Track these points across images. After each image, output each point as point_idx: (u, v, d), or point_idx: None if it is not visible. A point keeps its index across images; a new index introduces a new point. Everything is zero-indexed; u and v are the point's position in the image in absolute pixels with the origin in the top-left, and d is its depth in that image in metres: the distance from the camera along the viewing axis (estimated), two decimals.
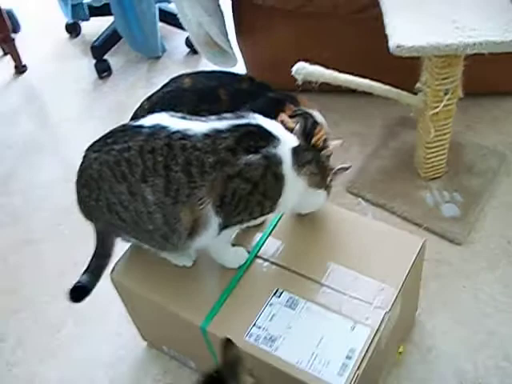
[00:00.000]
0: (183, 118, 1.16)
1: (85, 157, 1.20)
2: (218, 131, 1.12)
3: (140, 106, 1.67)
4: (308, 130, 1.27)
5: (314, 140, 1.48)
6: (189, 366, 1.50)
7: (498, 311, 1.52)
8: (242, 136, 1.12)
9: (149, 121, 1.15)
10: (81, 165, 1.21)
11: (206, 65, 2.48)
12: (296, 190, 1.21)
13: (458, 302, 1.55)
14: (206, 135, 1.11)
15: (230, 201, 1.12)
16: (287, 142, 1.18)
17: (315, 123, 1.55)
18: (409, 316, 1.48)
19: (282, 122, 1.39)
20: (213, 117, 1.17)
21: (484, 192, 1.78)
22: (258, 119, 1.17)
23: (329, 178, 1.29)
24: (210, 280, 1.32)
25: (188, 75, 1.65)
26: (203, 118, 1.16)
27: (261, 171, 1.12)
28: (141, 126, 1.14)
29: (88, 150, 1.20)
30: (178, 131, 1.11)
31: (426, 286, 1.54)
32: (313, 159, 1.23)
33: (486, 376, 1.40)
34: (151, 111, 1.48)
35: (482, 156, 1.89)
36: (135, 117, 1.61)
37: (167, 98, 1.62)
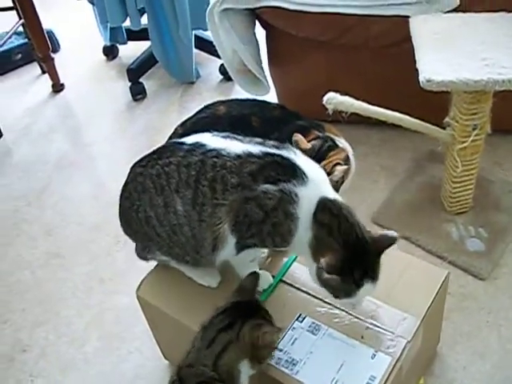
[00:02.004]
0: (225, 137, 1.21)
1: (131, 171, 1.28)
2: (250, 155, 1.15)
3: (174, 132, 1.73)
4: (321, 153, 1.28)
5: (324, 162, 1.51)
6: None
7: None
8: (266, 164, 1.13)
9: (191, 139, 1.22)
10: (126, 178, 1.28)
11: (239, 92, 2.54)
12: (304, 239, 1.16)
13: (481, 336, 1.54)
14: (238, 156, 1.14)
15: (242, 221, 1.14)
16: (318, 187, 1.15)
17: (332, 147, 1.59)
18: (430, 348, 1.48)
19: (296, 142, 1.43)
20: (256, 139, 1.19)
21: (510, 228, 1.78)
22: (294, 154, 1.17)
23: None
24: None
25: (222, 102, 1.72)
26: (246, 139, 1.20)
27: (274, 203, 1.11)
28: (183, 143, 1.21)
29: (134, 165, 1.27)
30: (213, 149, 1.16)
31: (448, 319, 1.54)
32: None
33: None
34: (184, 136, 1.54)
35: (509, 192, 1.89)
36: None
37: (201, 124, 1.67)
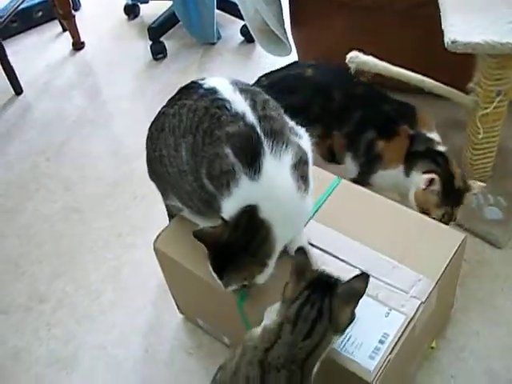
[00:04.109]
0: (241, 90, 1.18)
1: (158, 112, 1.29)
2: (242, 118, 1.13)
3: (257, 81, 1.73)
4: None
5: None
6: (222, 342, 1.54)
7: None
8: (243, 134, 1.11)
9: (211, 82, 1.20)
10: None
11: (260, 54, 2.53)
12: None
13: (495, 303, 1.55)
14: (236, 114, 1.13)
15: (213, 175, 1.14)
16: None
17: (448, 163, 1.57)
18: (444, 312, 1.48)
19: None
20: (258, 106, 1.16)
21: None
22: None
23: None
24: None
25: (311, 65, 1.71)
26: (249, 98, 1.17)
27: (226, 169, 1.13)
28: (201, 86, 1.20)
29: (163, 107, 1.29)
30: (221, 99, 1.15)
31: (463, 285, 1.55)
32: None
33: None
34: (269, 88, 1.58)
35: None
36: None
37: (286, 80, 1.69)
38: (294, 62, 1.75)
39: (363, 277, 1.05)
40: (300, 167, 1.14)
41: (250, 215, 1.11)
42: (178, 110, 1.20)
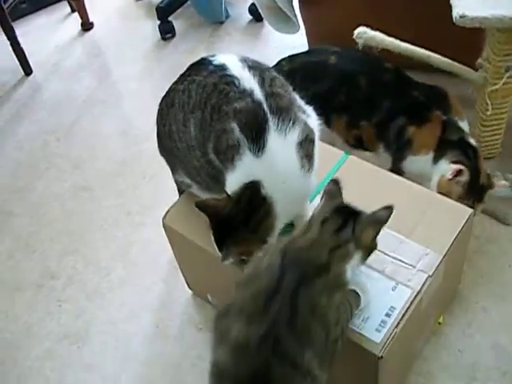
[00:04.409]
0: (250, 67, 1.18)
1: (168, 88, 1.30)
2: (250, 94, 1.13)
3: (277, 64, 1.70)
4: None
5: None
6: None
7: None
8: (250, 110, 1.12)
9: (221, 59, 1.21)
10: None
11: (269, 33, 2.53)
12: None
13: (503, 280, 1.56)
14: (243, 91, 1.14)
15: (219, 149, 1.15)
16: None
17: (477, 158, 1.55)
18: (451, 287, 1.49)
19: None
20: (266, 83, 1.16)
21: None
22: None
23: None
24: None
25: (335, 52, 1.66)
26: (258, 75, 1.17)
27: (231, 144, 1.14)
28: (210, 63, 1.21)
29: (174, 83, 1.30)
30: (230, 75, 1.16)
31: (471, 261, 1.56)
32: None
33: None
34: (290, 74, 1.54)
35: None
36: None
37: (309, 67, 1.66)
38: (317, 48, 1.70)
39: (388, 208, 1.07)
40: (305, 145, 1.15)
41: (252, 191, 1.11)
42: (188, 86, 1.21)
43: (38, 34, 2.85)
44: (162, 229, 1.44)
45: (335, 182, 1.13)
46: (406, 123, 1.58)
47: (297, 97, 1.24)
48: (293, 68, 1.66)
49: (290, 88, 1.24)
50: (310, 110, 1.25)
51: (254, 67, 1.19)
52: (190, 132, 1.20)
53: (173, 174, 1.40)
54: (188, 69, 1.28)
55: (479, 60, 1.65)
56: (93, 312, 1.67)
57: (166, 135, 1.29)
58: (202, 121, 1.17)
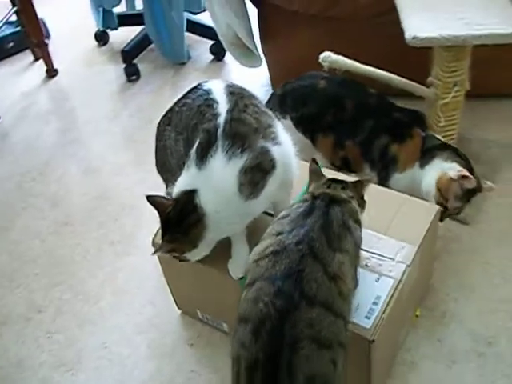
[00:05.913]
0: (231, 93, 1.29)
1: (168, 109, 1.43)
2: (218, 117, 1.23)
3: (273, 94, 1.86)
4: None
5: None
6: (221, 330, 1.62)
7: (505, 282, 1.66)
8: (211, 131, 1.22)
9: (209, 84, 1.33)
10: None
11: (229, 70, 2.69)
12: None
13: (469, 273, 1.69)
14: (216, 114, 1.24)
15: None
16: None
17: (469, 160, 1.67)
18: (424, 282, 1.61)
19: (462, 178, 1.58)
20: (236, 109, 1.25)
21: (489, 178, 1.89)
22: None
23: None
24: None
25: (324, 77, 1.79)
26: (233, 100, 1.27)
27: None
28: (201, 87, 1.33)
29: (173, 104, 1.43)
30: (211, 99, 1.27)
31: (438, 258, 1.70)
32: None
33: (495, 335, 1.53)
34: (282, 97, 1.75)
35: (487, 149, 2.05)
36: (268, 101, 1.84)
37: (300, 91, 1.80)
38: (307, 75, 1.83)
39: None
40: (252, 173, 1.21)
41: (188, 197, 1.22)
42: (181, 108, 1.34)
43: (1, 83, 2.91)
44: (147, 255, 1.41)
45: (315, 161, 1.30)
46: (389, 141, 1.71)
47: (277, 125, 1.33)
48: (284, 91, 1.82)
49: (270, 117, 1.33)
50: (285, 140, 1.32)
51: (234, 93, 1.29)
52: (180, 150, 1.31)
53: (166, 188, 1.48)
54: (186, 92, 1.38)
55: (430, 78, 1.81)
56: (85, 339, 1.69)
57: (161, 149, 1.41)
58: (187, 141, 1.28)
